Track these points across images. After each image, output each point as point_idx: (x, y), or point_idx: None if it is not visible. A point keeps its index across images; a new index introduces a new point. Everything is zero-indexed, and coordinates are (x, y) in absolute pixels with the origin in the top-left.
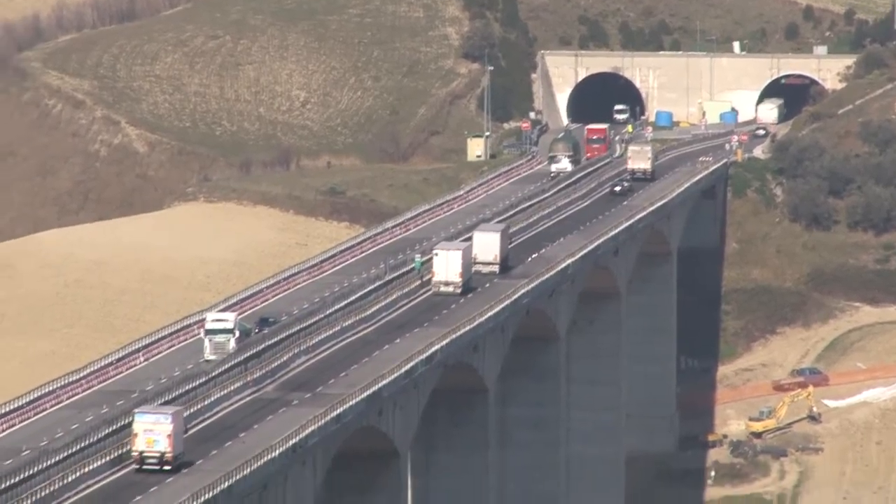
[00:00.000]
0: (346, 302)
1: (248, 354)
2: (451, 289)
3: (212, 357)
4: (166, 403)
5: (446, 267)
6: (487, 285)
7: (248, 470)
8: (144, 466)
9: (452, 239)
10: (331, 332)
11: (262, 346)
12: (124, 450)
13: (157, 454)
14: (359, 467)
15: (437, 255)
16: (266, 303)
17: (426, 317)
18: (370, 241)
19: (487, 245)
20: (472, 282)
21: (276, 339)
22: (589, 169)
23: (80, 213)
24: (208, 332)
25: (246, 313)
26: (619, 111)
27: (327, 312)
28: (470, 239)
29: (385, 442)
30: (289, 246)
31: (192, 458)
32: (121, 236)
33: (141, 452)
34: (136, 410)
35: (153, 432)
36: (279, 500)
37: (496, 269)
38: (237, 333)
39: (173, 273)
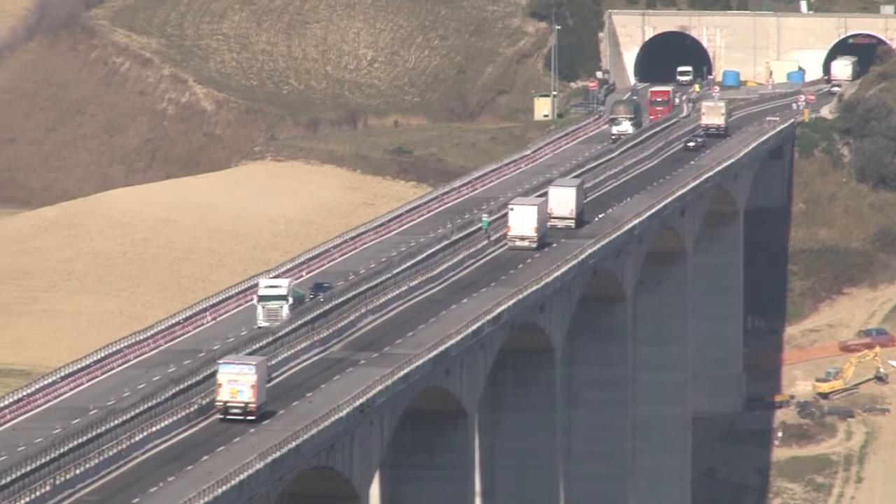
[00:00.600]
0: (413, 261)
1: (315, 314)
2: (526, 243)
3: (264, 324)
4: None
5: (522, 222)
6: (554, 245)
7: (316, 430)
8: (228, 416)
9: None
10: (398, 291)
11: (330, 305)
12: (192, 409)
13: (241, 404)
14: (426, 427)
15: (512, 210)
16: (333, 262)
17: (493, 277)
18: (437, 200)
19: (563, 200)
20: (547, 237)
21: (343, 299)
22: (655, 129)
23: (147, 172)
24: (261, 298)
25: (313, 272)
26: (683, 73)
27: (394, 272)
28: (545, 194)
29: (452, 402)
30: (356, 205)
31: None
32: (188, 195)
33: (225, 402)
34: (220, 361)
35: (237, 382)
36: (346, 460)
37: (572, 223)
38: (291, 300)
39: (240, 232)
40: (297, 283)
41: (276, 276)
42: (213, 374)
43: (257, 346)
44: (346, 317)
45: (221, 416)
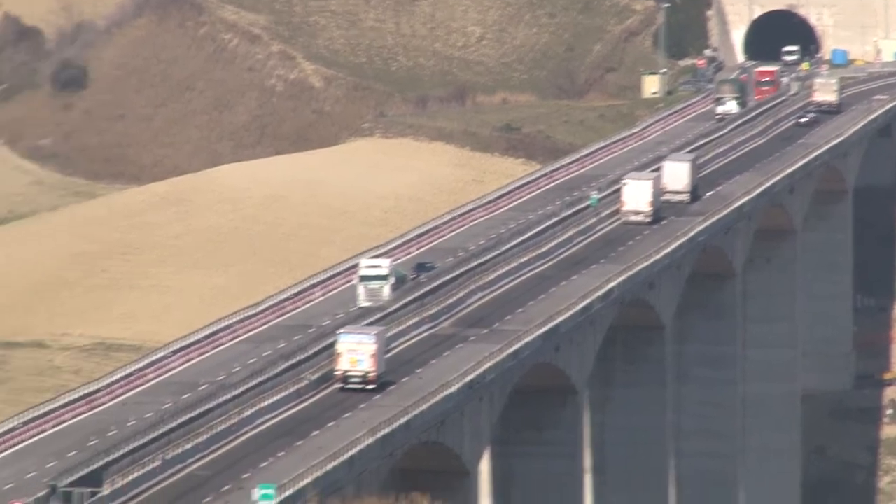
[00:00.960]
0: (522, 238)
1: (425, 290)
2: (640, 218)
3: (366, 304)
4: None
5: (636, 196)
6: (664, 222)
7: (426, 405)
8: (348, 386)
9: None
10: (507, 268)
11: (439, 282)
12: (302, 384)
13: (361, 374)
14: (535, 404)
15: (626, 184)
16: (442, 238)
17: (603, 253)
18: (546, 177)
19: (677, 174)
20: (661, 211)
21: (452, 276)
22: (763, 107)
23: (256, 148)
24: (363, 278)
25: (423, 248)
26: (788, 52)
27: (504, 249)
28: (659, 169)
29: (562, 378)
30: (465, 182)
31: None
32: (297, 171)
33: (345, 372)
34: (339, 331)
35: (357, 352)
36: (457, 436)
37: (686, 198)
38: (392, 280)
39: (349, 208)
40: (400, 263)
41: (377, 256)
42: (323, 349)
43: (366, 322)
44: (456, 293)
45: (341, 386)
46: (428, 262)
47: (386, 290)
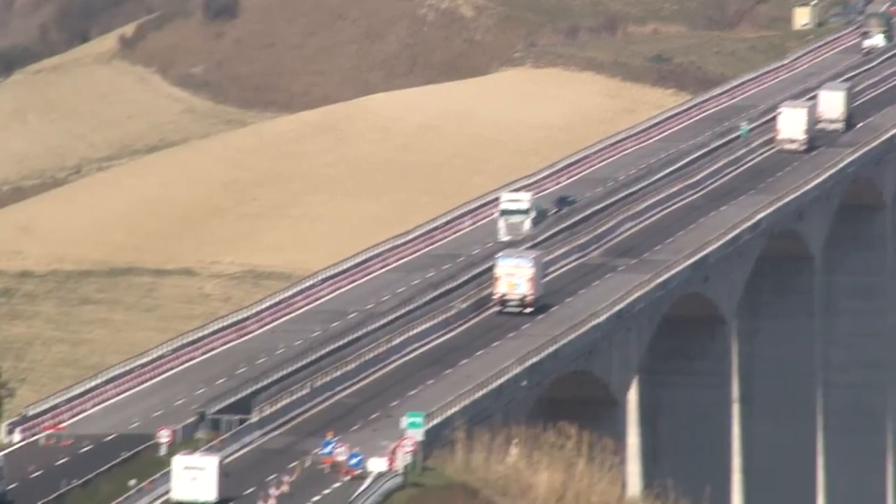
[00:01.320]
0: (672, 168)
1: (574, 220)
2: (795, 146)
3: (506, 238)
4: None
5: (791, 125)
6: (814, 153)
7: (574, 335)
8: (506, 309)
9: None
10: (657, 198)
11: (589, 211)
12: (451, 313)
13: (518, 297)
14: (684, 334)
15: (781, 112)
16: (592, 168)
17: (752, 184)
18: (697, 108)
19: (832, 103)
20: (816, 140)
21: (602, 206)
22: None
23: (407, 77)
24: (503, 212)
25: (573, 177)
26: None
27: (653, 179)
28: (814, 98)
29: (710, 308)
30: (615, 112)
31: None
32: (448, 101)
33: (503, 295)
34: (497, 255)
35: (514, 276)
36: (605, 365)
37: (840, 126)
38: (533, 213)
39: (501, 138)
40: (543, 195)
41: (526, 187)
42: (472, 278)
43: (524, 247)
44: (605, 223)
45: (499, 309)
46: (569, 196)
47: (527, 224)
